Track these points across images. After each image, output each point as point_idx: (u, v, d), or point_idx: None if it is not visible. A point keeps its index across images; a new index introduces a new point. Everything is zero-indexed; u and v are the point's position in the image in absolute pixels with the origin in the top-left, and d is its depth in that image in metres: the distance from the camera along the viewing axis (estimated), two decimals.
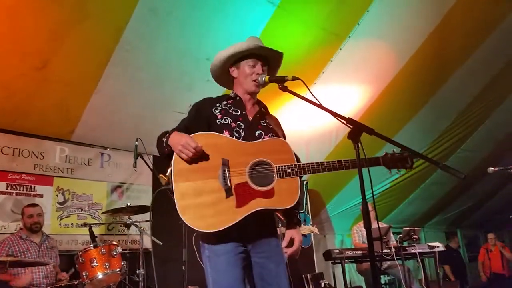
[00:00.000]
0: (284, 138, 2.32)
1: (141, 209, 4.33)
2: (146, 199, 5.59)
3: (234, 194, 1.99)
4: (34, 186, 4.76)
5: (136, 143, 3.94)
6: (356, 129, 1.75)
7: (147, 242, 5.05)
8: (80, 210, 5.02)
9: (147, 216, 4.76)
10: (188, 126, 2.17)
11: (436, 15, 5.40)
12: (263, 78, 2.17)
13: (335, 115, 1.83)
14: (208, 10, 4.40)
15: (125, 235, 4.96)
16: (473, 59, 6.19)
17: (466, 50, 6.09)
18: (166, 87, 5.04)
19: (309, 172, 2.08)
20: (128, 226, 4.23)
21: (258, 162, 2.06)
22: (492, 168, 4.06)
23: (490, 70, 6.67)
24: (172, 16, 4.32)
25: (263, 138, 2.21)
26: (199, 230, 1.95)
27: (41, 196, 4.77)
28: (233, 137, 2.14)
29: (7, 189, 4.58)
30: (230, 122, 2.19)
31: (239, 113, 2.25)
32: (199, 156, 2.00)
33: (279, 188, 2.03)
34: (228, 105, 2.27)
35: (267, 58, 2.31)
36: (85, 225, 4.56)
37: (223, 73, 2.37)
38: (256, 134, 2.22)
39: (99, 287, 3.72)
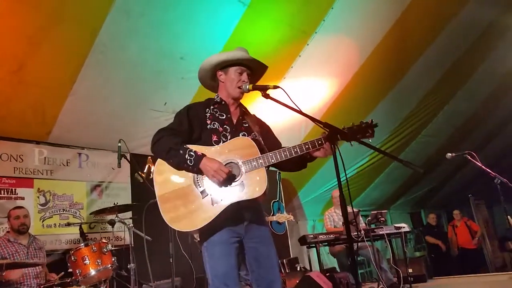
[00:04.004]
0: (267, 129, 2.64)
1: (127, 207, 4.51)
2: (125, 197, 5.73)
3: (209, 194, 2.26)
4: (15, 189, 4.81)
5: (119, 144, 4.08)
6: (332, 132, 2.02)
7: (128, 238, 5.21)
8: (61, 210, 5.10)
9: (128, 213, 4.94)
10: (187, 129, 2.39)
11: (395, 11, 5.77)
12: (247, 86, 2.42)
13: (313, 120, 2.09)
14: (180, 10, 4.54)
15: (110, 232, 5.09)
16: (430, 51, 6.63)
17: (424, 42, 6.52)
18: (141, 87, 5.14)
19: (273, 160, 2.26)
20: (112, 224, 4.38)
21: (227, 161, 2.30)
22: (450, 154, 4.44)
23: (446, 60, 7.13)
24: (145, 17, 4.43)
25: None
26: (178, 230, 2.24)
27: (22, 198, 4.82)
28: (220, 141, 2.38)
29: None
30: (218, 126, 2.43)
31: (224, 117, 2.49)
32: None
33: (248, 180, 2.25)
34: (215, 110, 2.50)
35: (253, 69, 2.57)
36: (68, 224, 4.72)
37: (211, 76, 2.59)
38: (240, 135, 2.47)
39: (92, 282, 3.90)
